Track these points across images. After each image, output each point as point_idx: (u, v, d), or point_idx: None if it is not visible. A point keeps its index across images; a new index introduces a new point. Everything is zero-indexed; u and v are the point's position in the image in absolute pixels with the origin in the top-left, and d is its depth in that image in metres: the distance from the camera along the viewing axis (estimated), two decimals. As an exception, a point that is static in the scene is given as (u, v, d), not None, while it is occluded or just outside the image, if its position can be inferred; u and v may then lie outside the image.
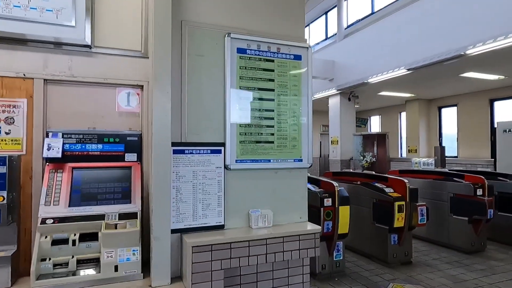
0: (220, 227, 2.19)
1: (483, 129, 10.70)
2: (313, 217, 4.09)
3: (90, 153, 2.29)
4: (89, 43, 2.26)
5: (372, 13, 10.63)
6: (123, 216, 2.14)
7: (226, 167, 2.20)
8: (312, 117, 2.45)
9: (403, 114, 13.64)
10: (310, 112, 2.44)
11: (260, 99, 2.30)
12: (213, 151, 2.18)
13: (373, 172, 5.22)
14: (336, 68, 10.92)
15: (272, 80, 2.34)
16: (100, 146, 2.31)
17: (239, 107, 2.24)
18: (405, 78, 8.87)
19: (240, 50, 2.26)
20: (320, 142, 15.95)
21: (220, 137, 2.21)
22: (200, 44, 2.18)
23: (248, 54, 2.28)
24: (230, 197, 2.24)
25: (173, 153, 2.08)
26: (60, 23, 2.19)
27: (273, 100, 2.34)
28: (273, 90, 2.34)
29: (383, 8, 9.92)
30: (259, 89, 2.30)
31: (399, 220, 4.36)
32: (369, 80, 9.41)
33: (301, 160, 2.42)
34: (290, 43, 2.39)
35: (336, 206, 3.99)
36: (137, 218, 2.13)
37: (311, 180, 4.49)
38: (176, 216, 2.08)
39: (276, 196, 2.37)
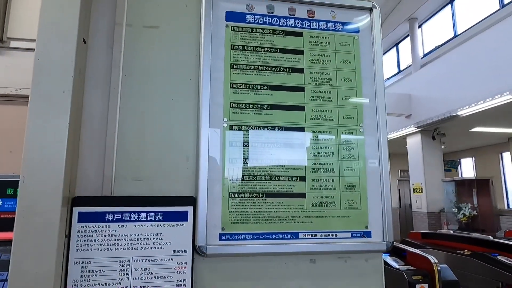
0: None
1: None
2: (399, 314, 2.58)
3: (-21, 215, 1.31)
4: (-4, 32, 1.38)
5: (455, 36, 9.01)
6: None
7: (197, 250, 1.01)
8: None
9: (506, 155, 11.02)
10: (382, 133, 1.18)
11: (274, 107, 1.13)
12: (169, 216, 1.02)
13: (491, 237, 3.49)
14: (414, 102, 9.26)
15: (300, 71, 1.17)
16: (-3, 202, 1.33)
17: (230, 124, 1.09)
18: (509, 106, 6.90)
19: (233, 16, 1.16)
20: (399, 190, 13.67)
21: (186, 185, 1.06)
22: (152, 7, 1.14)
23: (248, 22, 1.17)
24: (206, 321, 1.02)
25: (79, 221, 0.98)
26: (-52, 2, 1.36)
27: (302, 108, 1.15)
28: (301, 89, 1.16)
29: (472, 27, 8.28)
30: (272, 87, 1.14)
31: (553, 325, 2.57)
32: (459, 113, 7.60)
33: (368, 234, 1.12)
34: (335, 1, 1.23)
35: (438, 297, 2.44)
36: None
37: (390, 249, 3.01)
38: None
39: (313, 317, 1.07)
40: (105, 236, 0.98)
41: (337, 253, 1.11)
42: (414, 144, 9.60)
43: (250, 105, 1.12)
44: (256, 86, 1.13)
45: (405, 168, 10.76)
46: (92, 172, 1.02)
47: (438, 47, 9.53)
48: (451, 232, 4.26)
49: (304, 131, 1.14)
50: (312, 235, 1.09)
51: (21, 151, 1.39)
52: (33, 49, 1.26)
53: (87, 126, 1.03)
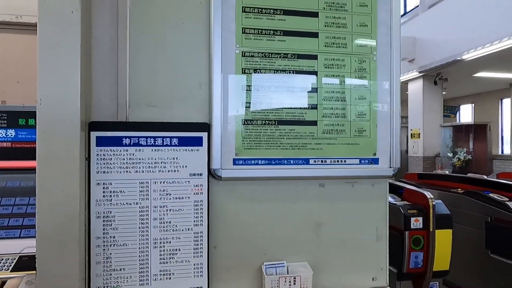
0: (201, 297, 1.06)
1: None
2: (392, 244, 2.77)
3: (-6, 144, 1.34)
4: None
5: (468, -27, 8.47)
6: (25, 263, 1.15)
7: (212, 173, 1.06)
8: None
9: (506, 101, 11.00)
10: (395, 60, 1.17)
11: (287, 33, 1.10)
12: (185, 141, 1.05)
13: (485, 176, 3.62)
14: (418, 46, 8.98)
15: (314, -5, 1.12)
16: (11, 132, 1.35)
17: (242, 51, 1.07)
18: (518, 50, 6.73)
19: None
20: (396, 136, 13.84)
21: (200, 112, 1.07)
22: None
23: None
24: (222, 237, 1.09)
25: (97, 145, 1.00)
26: None
27: (315, 35, 1.12)
28: (315, 14, 1.12)
29: (484, -37, 7.76)
30: (285, 12, 1.10)
31: (534, 254, 2.78)
32: (464, 57, 7.43)
33: (375, 161, 1.17)
34: None
35: (431, 229, 2.59)
36: (46, 269, 1.12)
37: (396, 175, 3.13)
38: (104, 275, 1.00)
39: (321, 235, 1.15)
40: (123, 159, 1.02)
41: (345, 178, 1.16)
42: (415, 89, 9.52)
43: (263, 31, 1.09)
44: (268, 10, 1.09)
45: (403, 114, 10.79)
46: (106, 98, 1.02)
47: (449, -15, 9.00)
48: (447, 172, 4.40)
49: (316, 58, 1.12)
50: (322, 161, 1.13)
51: (28, 82, 1.37)
52: (30, -28, 1.19)
53: (98, 51, 1.01)
